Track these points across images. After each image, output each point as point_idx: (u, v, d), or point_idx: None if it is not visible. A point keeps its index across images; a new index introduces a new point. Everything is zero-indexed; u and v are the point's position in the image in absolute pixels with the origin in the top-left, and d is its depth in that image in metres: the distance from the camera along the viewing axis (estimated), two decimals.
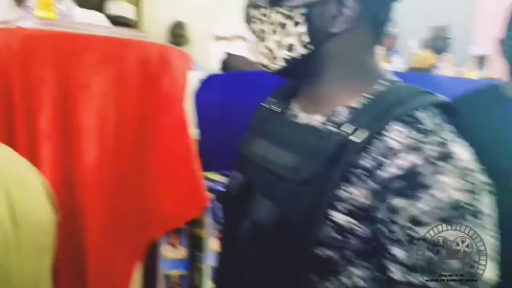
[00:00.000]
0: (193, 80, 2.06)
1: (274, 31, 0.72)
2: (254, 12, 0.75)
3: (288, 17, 0.70)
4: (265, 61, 0.75)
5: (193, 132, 1.98)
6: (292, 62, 0.72)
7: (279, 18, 0.71)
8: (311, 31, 0.70)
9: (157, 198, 1.19)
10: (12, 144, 1.01)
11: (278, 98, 0.85)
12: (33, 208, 0.69)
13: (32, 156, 1.01)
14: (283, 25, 0.71)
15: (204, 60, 3.52)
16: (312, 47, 0.71)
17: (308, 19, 0.69)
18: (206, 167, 1.41)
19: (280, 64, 0.73)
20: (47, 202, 0.74)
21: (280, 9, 0.71)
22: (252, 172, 0.76)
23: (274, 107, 0.84)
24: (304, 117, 0.76)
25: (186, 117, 1.30)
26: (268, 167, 0.73)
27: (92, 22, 2.21)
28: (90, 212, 1.07)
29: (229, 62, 2.59)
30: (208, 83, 2.07)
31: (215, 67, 2.59)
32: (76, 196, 1.06)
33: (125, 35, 1.25)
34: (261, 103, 0.88)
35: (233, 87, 1.96)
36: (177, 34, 3.54)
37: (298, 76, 0.77)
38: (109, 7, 3.25)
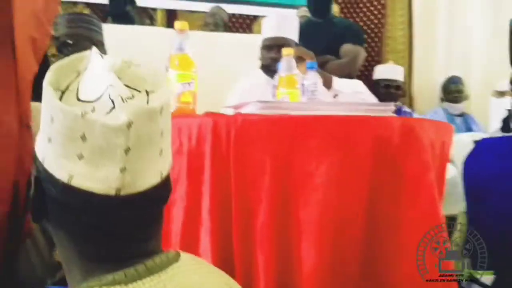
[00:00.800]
0: (462, 146, 1.72)
1: None
2: None
3: None
4: None
5: (461, 207, 1.62)
6: None
7: None
8: None
9: None
10: (227, 243, 0.93)
11: None
12: None
13: (246, 260, 0.91)
14: None
15: (483, 119, 3.03)
16: None
17: None
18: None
19: None
20: None
21: None
22: None
23: None
24: None
25: (439, 209, 0.99)
26: None
27: (349, 91, 2.13)
28: None
29: None
30: (483, 147, 1.74)
31: (495, 127, 2.21)
32: None
33: (360, 111, 1.05)
34: None
35: None
36: (452, 90, 3.15)
37: None
38: (376, 71, 3.15)
